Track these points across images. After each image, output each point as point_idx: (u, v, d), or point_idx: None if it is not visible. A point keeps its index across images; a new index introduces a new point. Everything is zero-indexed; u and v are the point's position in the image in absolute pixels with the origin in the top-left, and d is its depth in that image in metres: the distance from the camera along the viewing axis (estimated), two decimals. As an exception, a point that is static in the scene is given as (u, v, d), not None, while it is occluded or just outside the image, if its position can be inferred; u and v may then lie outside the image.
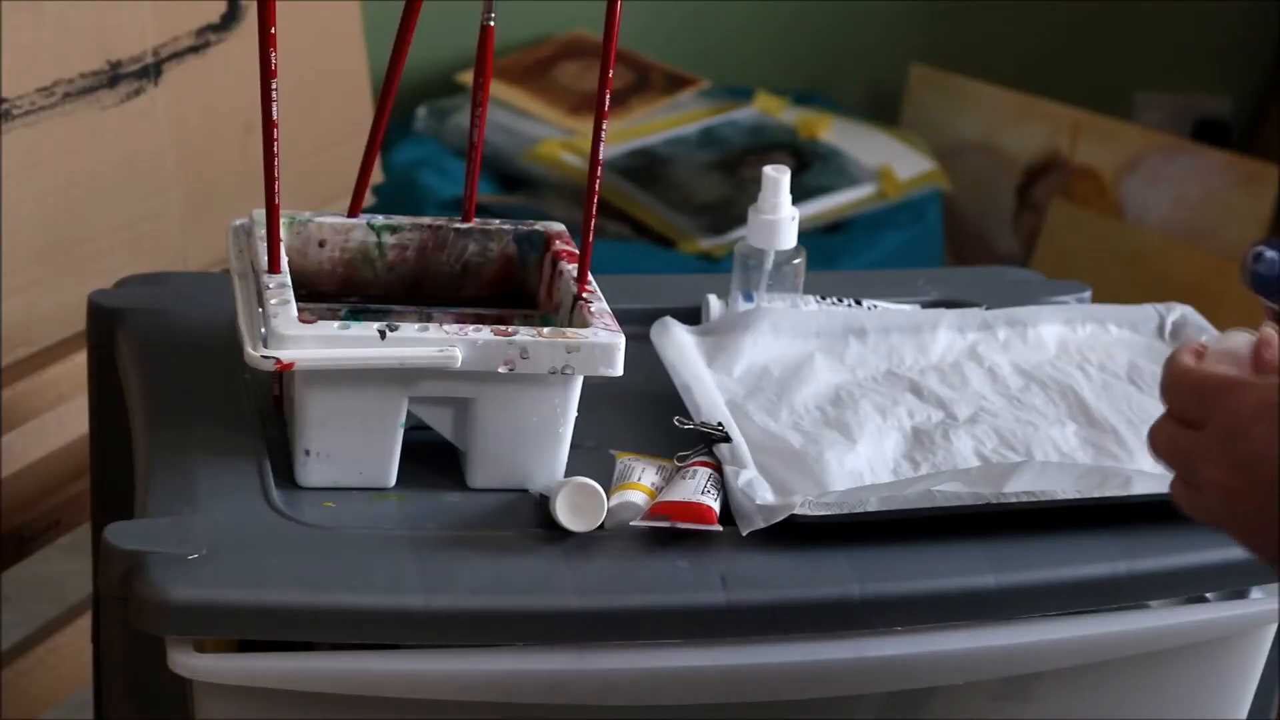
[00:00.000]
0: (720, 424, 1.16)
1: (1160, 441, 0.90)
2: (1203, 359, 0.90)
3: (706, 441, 1.16)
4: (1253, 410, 0.85)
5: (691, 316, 1.33)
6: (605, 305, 1.15)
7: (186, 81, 1.64)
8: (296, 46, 1.74)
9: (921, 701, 1.12)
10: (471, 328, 1.10)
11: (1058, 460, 1.18)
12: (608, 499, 1.09)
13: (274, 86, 1.08)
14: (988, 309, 1.35)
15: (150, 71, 1.60)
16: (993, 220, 2.88)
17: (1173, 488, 0.90)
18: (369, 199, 1.62)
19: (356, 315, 1.23)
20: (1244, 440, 0.85)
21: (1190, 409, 0.88)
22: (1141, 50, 3.01)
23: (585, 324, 1.13)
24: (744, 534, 1.08)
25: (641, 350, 1.24)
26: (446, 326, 1.10)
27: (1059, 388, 1.27)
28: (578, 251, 1.20)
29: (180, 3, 1.64)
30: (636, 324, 1.25)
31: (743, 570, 1.06)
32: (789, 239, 1.29)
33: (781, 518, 1.07)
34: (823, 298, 1.34)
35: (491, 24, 1.18)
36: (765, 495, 1.09)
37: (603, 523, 1.08)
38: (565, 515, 1.07)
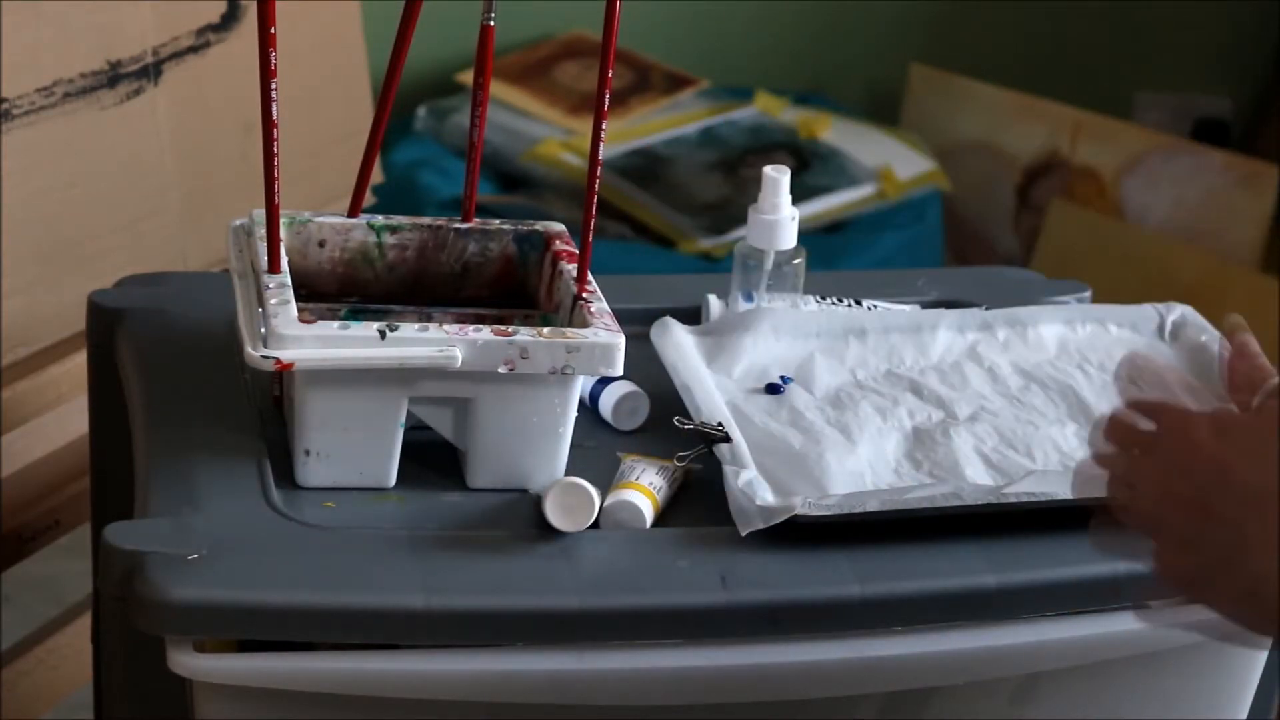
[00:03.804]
0: (720, 424, 1.16)
1: (1114, 429, 0.91)
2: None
3: (707, 441, 1.16)
4: (1205, 427, 0.86)
5: (691, 316, 1.33)
6: (605, 305, 1.15)
7: (186, 81, 1.64)
8: (296, 46, 1.74)
9: (921, 701, 1.12)
10: (471, 328, 1.10)
11: (1058, 460, 1.18)
12: (605, 499, 1.09)
13: (274, 86, 1.08)
14: (988, 309, 1.35)
15: (150, 71, 1.60)
16: (993, 220, 2.88)
17: (1109, 484, 0.91)
18: (369, 199, 1.62)
19: (356, 315, 1.23)
20: (1190, 448, 0.86)
21: (1146, 413, 0.89)
22: (1141, 50, 3.01)
23: (585, 324, 1.13)
24: (743, 534, 1.08)
25: (641, 350, 1.24)
26: (446, 326, 1.10)
27: (1059, 388, 1.27)
28: (578, 251, 1.20)
29: (180, 3, 1.64)
30: (636, 324, 1.25)
31: (743, 570, 1.06)
32: (789, 239, 1.29)
33: (782, 519, 1.07)
34: (823, 298, 1.34)
35: (491, 24, 1.18)
36: (765, 496, 1.09)
37: (597, 522, 1.08)
38: (555, 515, 1.07)
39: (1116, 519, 0.90)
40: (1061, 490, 1.11)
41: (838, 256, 2.39)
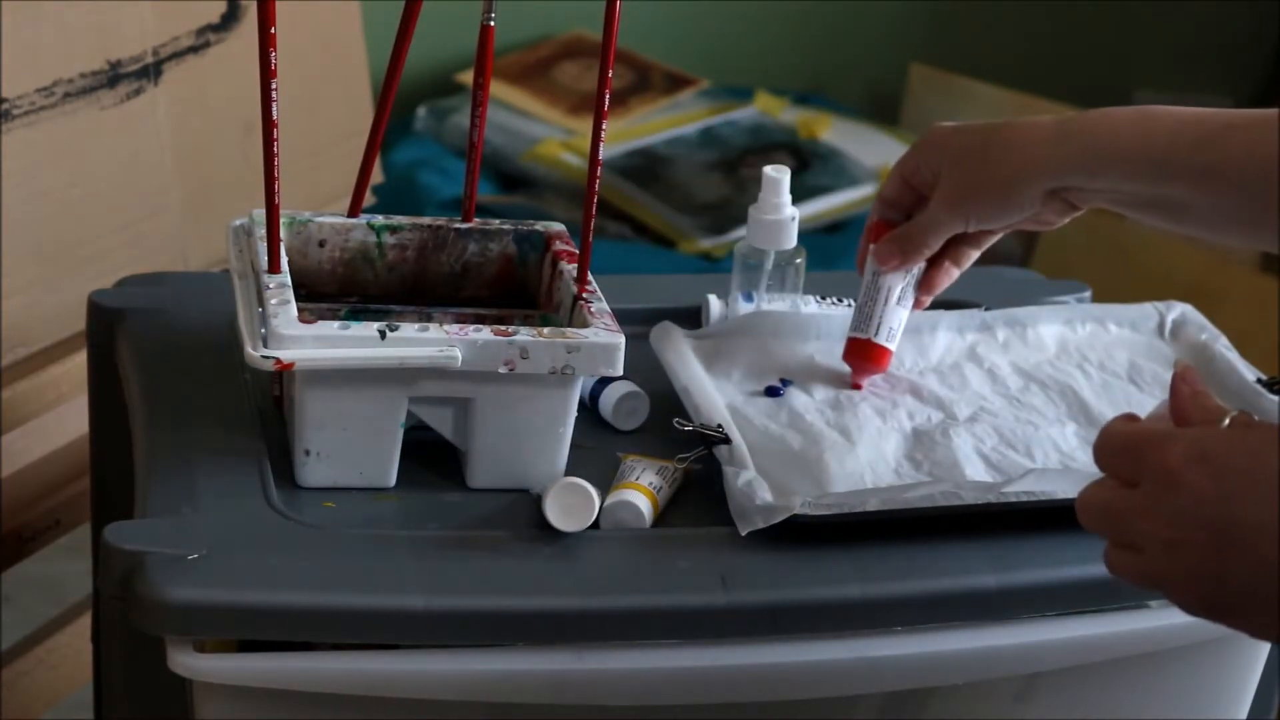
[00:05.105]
0: (719, 425, 1.16)
1: (1090, 507, 0.88)
2: (1135, 422, 0.88)
3: (706, 443, 1.16)
4: (1182, 458, 0.83)
5: (691, 317, 1.33)
6: (605, 305, 1.15)
7: (186, 81, 1.64)
8: (296, 46, 1.74)
9: (921, 701, 1.12)
10: (471, 328, 1.10)
11: (1058, 460, 1.18)
12: (605, 499, 1.09)
13: (274, 86, 1.08)
14: (987, 309, 1.35)
15: (150, 71, 1.60)
16: (993, 220, 2.88)
17: (1106, 556, 0.87)
18: (369, 199, 1.62)
19: (356, 315, 1.23)
20: (1178, 490, 0.83)
21: (1122, 467, 0.86)
22: (1141, 50, 3.01)
23: (585, 324, 1.13)
24: (743, 534, 1.08)
25: (641, 350, 1.24)
26: (446, 326, 1.10)
27: (1059, 387, 1.27)
28: (578, 251, 1.20)
29: (180, 3, 1.64)
30: (636, 324, 1.25)
31: (743, 570, 1.06)
32: (789, 239, 1.29)
33: (781, 519, 1.07)
34: (823, 298, 1.34)
35: (491, 24, 1.18)
36: (765, 496, 1.09)
37: (597, 522, 1.08)
38: (555, 515, 1.07)
39: (1132, 581, 0.87)
40: (1061, 489, 1.11)
41: (838, 256, 2.39)
